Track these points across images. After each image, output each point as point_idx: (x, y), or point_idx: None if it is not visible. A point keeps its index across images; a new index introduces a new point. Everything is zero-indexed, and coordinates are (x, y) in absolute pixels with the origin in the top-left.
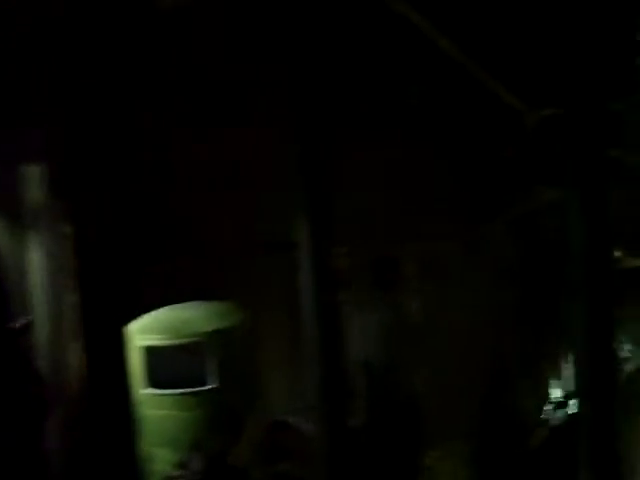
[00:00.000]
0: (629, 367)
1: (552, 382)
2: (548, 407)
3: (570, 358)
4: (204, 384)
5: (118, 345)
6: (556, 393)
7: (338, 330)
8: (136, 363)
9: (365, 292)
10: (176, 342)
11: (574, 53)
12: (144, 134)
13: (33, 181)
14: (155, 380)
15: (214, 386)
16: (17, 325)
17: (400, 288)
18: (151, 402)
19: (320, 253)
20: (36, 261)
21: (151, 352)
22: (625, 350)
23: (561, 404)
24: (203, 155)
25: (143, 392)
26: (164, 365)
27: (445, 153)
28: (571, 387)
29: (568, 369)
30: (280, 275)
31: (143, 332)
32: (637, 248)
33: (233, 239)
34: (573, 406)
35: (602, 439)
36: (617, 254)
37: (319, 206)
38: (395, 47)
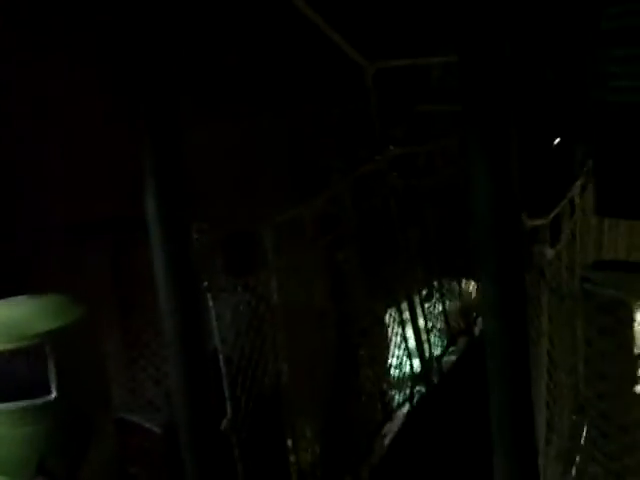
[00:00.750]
0: None
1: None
2: (404, 383)
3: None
4: (44, 394)
5: None
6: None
7: (199, 320)
8: None
9: (219, 276)
10: (6, 347)
11: None
12: None
13: None
14: None
15: (56, 395)
16: None
17: (257, 268)
18: None
19: (174, 232)
20: None
21: None
22: None
23: (421, 377)
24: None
25: None
26: None
27: (285, 116)
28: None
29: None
30: (120, 258)
31: None
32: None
33: (60, 218)
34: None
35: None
36: None
37: (171, 177)
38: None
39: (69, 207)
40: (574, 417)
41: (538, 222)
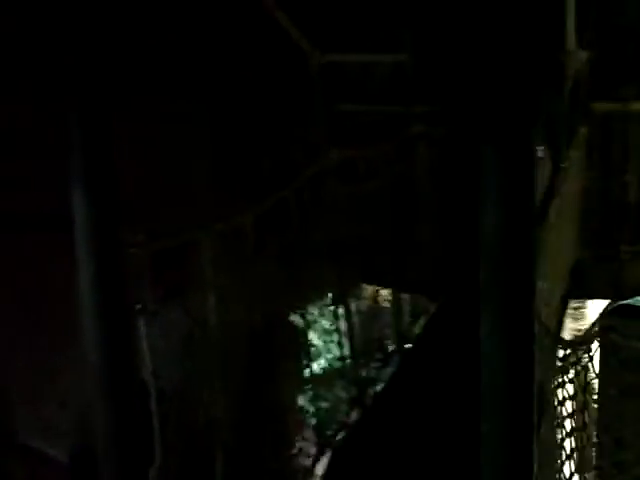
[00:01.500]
0: None
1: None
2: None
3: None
4: None
5: None
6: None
7: (129, 344)
8: None
9: (149, 295)
10: None
11: None
12: None
13: None
14: None
15: None
16: None
17: (191, 286)
18: None
19: (106, 242)
20: None
21: None
22: None
23: (355, 401)
24: None
25: None
26: None
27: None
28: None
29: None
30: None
31: None
32: None
33: None
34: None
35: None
36: None
37: (103, 178)
38: None
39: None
40: None
41: None
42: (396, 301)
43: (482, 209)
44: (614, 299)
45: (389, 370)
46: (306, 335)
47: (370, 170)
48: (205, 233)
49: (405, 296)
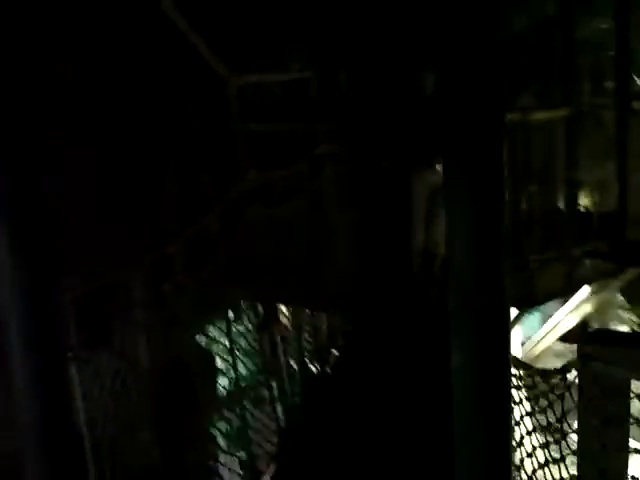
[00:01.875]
0: None
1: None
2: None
3: None
4: None
5: None
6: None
7: (66, 395)
8: None
9: (80, 338)
10: None
11: None
12: None
13: None
14: None
15: None
16: None
17: (124, 327)
18: None
19: (37, 286)
20: None
21: None
22: None
23: (287, 431)
24: None
25: None
26: None
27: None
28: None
29: None
30: None
31: None
32: None
33: None
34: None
35: None
36: None
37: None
38: None
39: None
40: None
41: None
42: (312, 321)
43: (450, 234)
44: (525, 308)
45: (310, 391)
46: (229, 360)
47: (284, 190)
48: (129, 271)
49: (321, 315)
